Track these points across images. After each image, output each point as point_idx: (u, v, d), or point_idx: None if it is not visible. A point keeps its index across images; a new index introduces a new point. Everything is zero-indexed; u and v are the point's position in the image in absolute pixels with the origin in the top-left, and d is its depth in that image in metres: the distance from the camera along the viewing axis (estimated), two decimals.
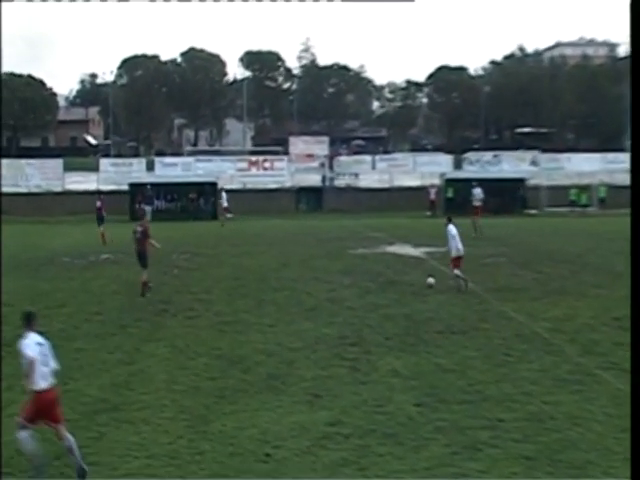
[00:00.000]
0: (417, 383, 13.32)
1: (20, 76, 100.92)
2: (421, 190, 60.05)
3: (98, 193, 42.12)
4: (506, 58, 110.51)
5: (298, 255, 31.12)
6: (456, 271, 22.86)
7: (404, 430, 11.09)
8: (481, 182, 44.29)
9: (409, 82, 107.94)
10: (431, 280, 23.12)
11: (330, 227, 45.30)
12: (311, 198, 64.38)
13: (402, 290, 22.40)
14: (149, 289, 22.44)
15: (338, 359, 14.88)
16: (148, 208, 55.03)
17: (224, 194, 52.86)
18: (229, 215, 51.21)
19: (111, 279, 25.37)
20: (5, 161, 66.63)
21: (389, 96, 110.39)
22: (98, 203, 39.59)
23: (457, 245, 23.02)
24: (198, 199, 58.04)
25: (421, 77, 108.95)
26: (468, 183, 46.48)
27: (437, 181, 60.77)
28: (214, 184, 58.70)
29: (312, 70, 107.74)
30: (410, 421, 11.46)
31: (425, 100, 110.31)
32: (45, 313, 19.33)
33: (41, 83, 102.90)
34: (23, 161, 67.05)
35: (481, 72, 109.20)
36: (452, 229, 23.14)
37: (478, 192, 41.64)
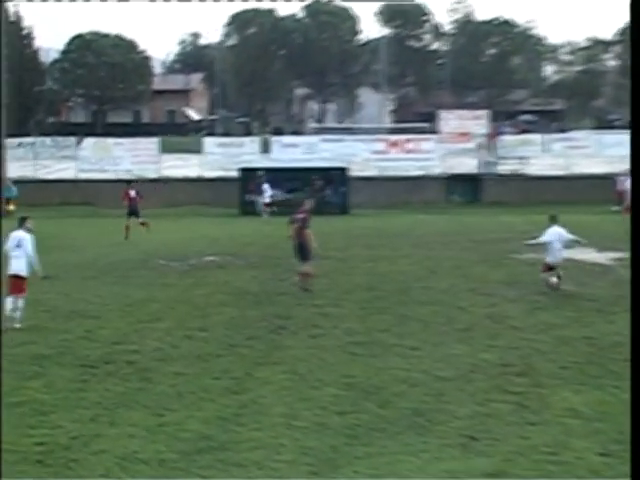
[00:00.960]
0: (602, 426, 13.11)
1: (107, 36, 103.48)
2: (607, 179, 58.98)
3: (127, 182, 43.46)
4: None
5: (449, 260, 31.08)
6: (544, 274, 24.03)
7: None
8: None
9: (593, 40, 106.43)
10: (554, 280, 23.59)
11: (490, 225, 44.99)
12: (466, 188, 63.99)
13: (582, 306, 22.10)
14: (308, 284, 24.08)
15: (500, 392, 14.78)
16: (261, 199, 55.96)
17: (267, 186, 53.49)
18: (270, 210, 52.17)
19: (217, 287, 25.80)
20: (90, 140, 68.52)
21: (566, 58, 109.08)
22: (132, 192, 41.21)
23: (554, 252, 23.86)
24: (324, 189, 58.11)
25: (608, 34, 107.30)
26: None
27: (628, 167, 59.61)
28: (344, 170, 58.88)
29: (467, 27, 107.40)
30: (593, 474, 11.29)
31: (613, 63, 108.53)
32: (137, 328, 19.88)
33: (132, 45, 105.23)
34: (110, 140, 68.63)
35: None
36: (553, 230, 24.00)
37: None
